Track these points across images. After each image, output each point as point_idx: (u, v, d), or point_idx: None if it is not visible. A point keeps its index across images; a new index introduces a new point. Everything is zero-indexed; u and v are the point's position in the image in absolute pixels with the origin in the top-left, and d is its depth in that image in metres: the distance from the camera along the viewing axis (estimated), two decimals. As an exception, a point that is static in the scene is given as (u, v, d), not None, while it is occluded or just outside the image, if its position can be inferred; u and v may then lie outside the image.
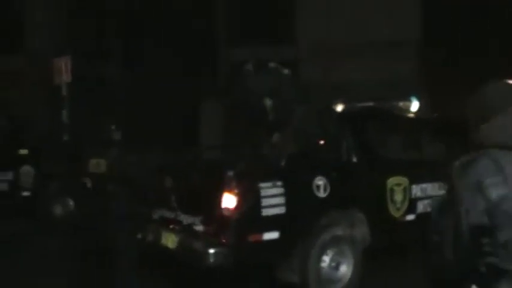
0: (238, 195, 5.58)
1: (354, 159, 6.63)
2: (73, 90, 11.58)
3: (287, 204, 5.76)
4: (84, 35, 17.50)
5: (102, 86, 16.62)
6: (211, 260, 5.64)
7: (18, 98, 16.69)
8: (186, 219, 6.30)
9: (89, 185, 5.17)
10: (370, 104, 7.55)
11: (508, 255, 2.37)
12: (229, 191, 5.63)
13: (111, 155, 6.81)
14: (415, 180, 6.99)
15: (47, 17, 17.50)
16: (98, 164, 4.97)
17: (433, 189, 7.24)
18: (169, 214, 6.47)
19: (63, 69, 11.19)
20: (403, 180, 6.88)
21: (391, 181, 6.76)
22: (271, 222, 5.72)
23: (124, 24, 18.63)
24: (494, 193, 2.46)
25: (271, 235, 5.73)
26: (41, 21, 17.42)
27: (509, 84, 2.69)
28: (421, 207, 7.09)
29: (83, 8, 17.79)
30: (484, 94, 2.72)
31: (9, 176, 10.88)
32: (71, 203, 8.52)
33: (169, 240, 6.15)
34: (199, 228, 6.03)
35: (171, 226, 6.32)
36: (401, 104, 7.70)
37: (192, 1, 18.11)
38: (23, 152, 10.97)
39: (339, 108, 7.07)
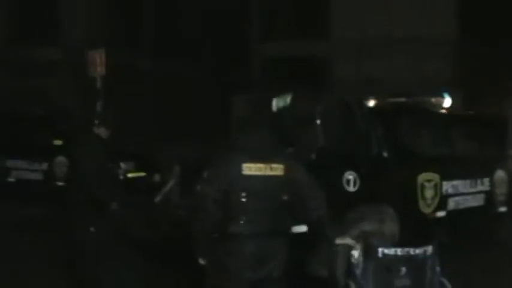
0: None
1: (385, 154, 6.60)
2: (108, 81, 11.71)
3: (316, 197, 5.76)
4: (120, 28, 17.69)
5: (137, 78, 16.79)
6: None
7: (55, 89, 16.96)
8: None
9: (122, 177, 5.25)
10: (402, 99, 7.50)
11: None
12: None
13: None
14: (446, 176, 6.94)
15: (84, 8, 17.71)
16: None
17: (465, 186, 7.20)
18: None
19: (98, 62, 11.31)
20: (434, 177, 6.83)
21: (422, 177, 6.73)
22: (300, 216, 5.74)
23: (159, 19, 18.79)
24: None
25: (300, 228, 5.76)
26: (78, 13, 17.64)
27: None
28: (452, 204, 7.05)
29: (119, 1, 17.99)
30: None
31: (44, 166, 11.10)
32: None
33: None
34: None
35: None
36: (433, 99, 7.64)
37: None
38: (58, 142, 11.17)
39: (371, 103, 7.04)
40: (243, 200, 3.91)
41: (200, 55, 18.14)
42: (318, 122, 6.39)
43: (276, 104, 7.08)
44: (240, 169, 3.96)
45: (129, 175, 10.42)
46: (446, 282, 5.15)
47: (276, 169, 4.20)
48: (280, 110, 7.03)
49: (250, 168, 4.02)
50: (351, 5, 17.17)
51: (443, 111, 7.65)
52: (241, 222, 3.93)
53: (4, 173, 11.37)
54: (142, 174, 11.06)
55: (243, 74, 17.65)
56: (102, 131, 5.82)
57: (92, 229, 5.35)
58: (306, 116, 6.52)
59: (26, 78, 17.04)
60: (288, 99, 7.02)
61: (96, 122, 5.84)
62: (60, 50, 17.57)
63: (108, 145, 5.79)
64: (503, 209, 7.71)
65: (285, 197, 4.32)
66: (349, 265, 5.58)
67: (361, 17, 16.91)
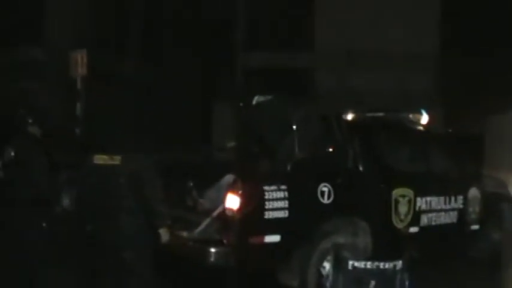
0: (242, 196, 5.63)
1: (360, 168, 6.65)
2: (89, 83, 11.68)
3: (290, 208, 5.80)
4: (104, 30, 17.62)
5: (120, 81, 16.72)
6: (212, 259, 5.70)
7: (37, 89, 16.82)
8: (191, 218, 6.37)
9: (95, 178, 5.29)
10: (381, 114, 7.56)
11: None
12: (234, 191, 5.68)
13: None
14: (420, 192, 7.00)
15: (68, 9, 17.63)
16: (104, 159, 5.08)
17: (439, 203, 7.26)
18: (175, 212, 6.52)
19: (79, 63, 11.28)
20: (409, 192, 6.89)
21: (397, 192, 6.78)
22: (273, 225, 5.77)
23: (144, 22, 18.75)
24: None
25: (273, 238, 5.78)
26: (62, 13, 17.55)
27: None
28: (425, 220, 7.10)
29: (104, 3, 17.92)
30: None
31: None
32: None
33: (173, 238, 6.19)
34: (204, 227, 6.07)
35: (176, 224, 6.35)
36: (411, 116, 7.71)
37: (213, 3, 18.20)
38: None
39: (349, 116, 7.08)
40: None
41: (183, 62, 18.13)
42: (295, 131, 6.41)
43: (256, 100, 7.10)
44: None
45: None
46: (415, 296, 5.21)
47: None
48: (259, 113, 7.03)
49: None
50: (335, 18, 17.29)
51: (421, 127, 7.72)
52: None
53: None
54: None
55: (226, 83, 17.67)
56: (35, 130, 5.94)
57: (44, 225, 5.46)
58: (284, 124, 6.53)
59: (6, 78, 16.89)
60: (269, 99, 7.04)
61: (30, 120, 5.93)
62: (43, 50, 17.47)
63: (45, 143, 5.89)
64: (475, 227, 7.78)
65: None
66: (320, 277, 5.63)
67: (345, 30, 17.02)
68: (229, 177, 6.62)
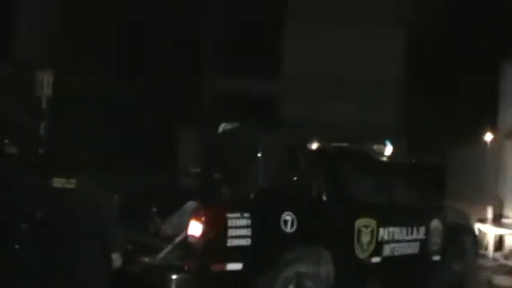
0: (204, 223, 5.60)
1: (324, 198, 6.67)
2: (55, 103, 11.56)
3: (253, 236, 5.79)
4: (76, 50, 17.49)
5: (87, 102, 16.58)
6: (173, 286, 5.65)
7: (3, 107, 16.57)
8: (153, 243, 6.31)
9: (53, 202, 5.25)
10: (345, 144, 7.63)
11: None
12: (197, 218, 5.65)
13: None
14: (383, 223, 7.05)
15: (37, 27, 17.49)
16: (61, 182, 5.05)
17: (401, 233, 7.31)
18: (137, 238, 6.46)
19: (45, 83, 11.18)
20: (371, 222, 6.94)
21: (359, 222, 6.83)
22: (236, 253, 5.75)
23: (115, 43, 18.67)
24: None
25: (235, 266, 5.76)
26: (31, 31, 17.41)
27: None
28: (387, 250, 7.14)
29: (77, 24, 17.81)
30: None
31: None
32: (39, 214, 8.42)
33: (136, 263, 6.12)
34: (166, 253, 6.02)
35: (138, 249, 6.28)
36: (375, 147, 7.78)
37: (181, 29, 18.24)
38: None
39: (314, 145, 7.12)
40: None
41: (153, 84, 18.08)
42: (260, 159, 6.42)
43: (222, 128, 7.10)
44: None
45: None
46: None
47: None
48: (225, 139, 7.03)
49: None
50: (301, 46, 17.43)
51: (384, 158, 7.79)
52: None
53: None
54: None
55: (193, 108, 17.67)
56: (12, 149, 5.90)
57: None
58: (249, 151, 6.54)
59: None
60: (235, 126, 7.05)
61: (6, 141, 5.89)
62: (11, 67, 17.27)
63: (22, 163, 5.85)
64: (437, 258, 7.85)
65: None
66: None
67: (311, 58, 17.16)
68: (191, 204, 6.60)
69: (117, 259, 5.15)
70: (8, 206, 5.74)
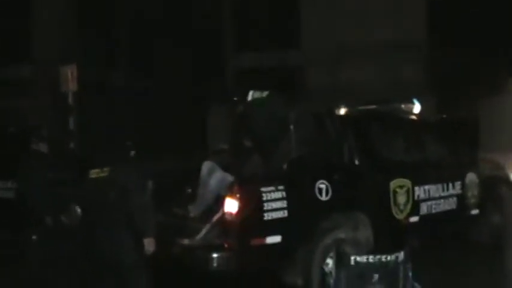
0: (240, 199, 5.63)
1: (356, 162, 6.65)
2: (81, 97, 11.67)
3: (289, 208, 5.79)
4: (93, 43, 17.60)
5: (111, 94, 16.71)
6: (215, 264, 5.69)
7: (28, 107, 16.80)
8: (191, 224, 6.37)
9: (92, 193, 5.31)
10: (373, 106, 7.57)
11: None
12: (232, 195, 5.68)
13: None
14: (418, 182, 7.01)
15: (55, 24, 17.59)
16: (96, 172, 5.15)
17: (437, 190, 7.27)
18: (174, 221, 6.53)
19: (70, 78, 11.27)
20: (406, 182, 6.90)
21: (394, 183, 6.79)
22: (274, 226, 5.76)
23: (132, 33, 18.75)
24: None
25: (274, 239, 5.77)
26: (49, 29, 17.51)
27: None
28: (424, 209, 7.11)
29: (92, 16, 17.89)
30: None
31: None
32: (78, 210, 8.54)
33: (175, 245, 6.19)
34: (204, 233, 6.07)
35: (176, 231, 6.36)
36: (403, 106, 7.71)
37: (200, 7, 18.22)
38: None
39: (341, 111, 7.09)
40: None
41: (175, 68, 18.13)
42: (291, 129, 6.42)
43: (251, 95, 7.07)
44: None
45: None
46: (419, 287, 5.21)
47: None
48: (254, 111, 7.00)
49: None
50: (320, 14, 17.31)
51: (414, 117, 7.73)
52: None
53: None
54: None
55: (217, 86, 17.69)
56: (41, 146, 6.00)
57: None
58: (280, 122, 6.53)
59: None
60: (264, 95, 7.01)
61: (34, 139, 5.99)
62: (32, 66, 17.42)
63: (50, 158, 5.96)
64: (475, 211, 7.79)
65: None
66: (323, 274, 5.63)
67: (330, 26, 17.04)
68: (207, 164, 6.66)
69: (149, 244, 5.22)
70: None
